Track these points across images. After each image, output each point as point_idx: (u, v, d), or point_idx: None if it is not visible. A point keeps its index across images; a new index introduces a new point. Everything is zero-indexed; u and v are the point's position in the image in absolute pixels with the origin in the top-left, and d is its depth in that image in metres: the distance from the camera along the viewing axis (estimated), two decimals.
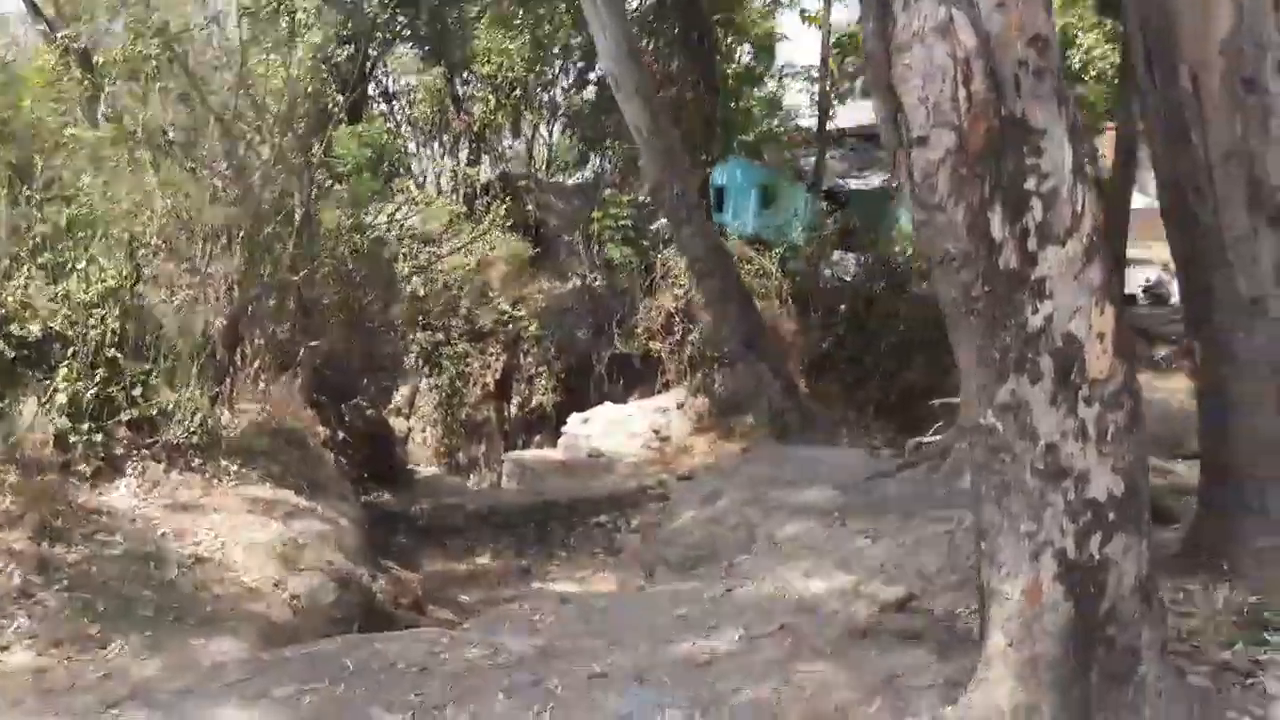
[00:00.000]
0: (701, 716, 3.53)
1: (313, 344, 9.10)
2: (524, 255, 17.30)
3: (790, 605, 4.75)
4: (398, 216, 12.95)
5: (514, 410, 18.11)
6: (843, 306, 14.39)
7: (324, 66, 10.98)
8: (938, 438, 11.18)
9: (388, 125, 19.44)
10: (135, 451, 6.27)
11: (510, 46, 17.37)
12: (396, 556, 10.38)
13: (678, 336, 15.44)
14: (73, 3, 10.42)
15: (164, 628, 4.60)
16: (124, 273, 6.68)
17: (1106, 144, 15.90)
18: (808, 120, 19.36)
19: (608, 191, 17.26)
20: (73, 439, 5.94)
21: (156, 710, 3.62)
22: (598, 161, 18.62)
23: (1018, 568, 3.20)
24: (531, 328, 16.83)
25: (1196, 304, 4.57)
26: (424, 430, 18.03)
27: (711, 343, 14.42)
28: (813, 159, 18.81)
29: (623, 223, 15.47)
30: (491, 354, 18.32)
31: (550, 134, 20.78)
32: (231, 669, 4.04)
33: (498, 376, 18.22)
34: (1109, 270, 3.13)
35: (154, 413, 6.54)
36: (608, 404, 15.88)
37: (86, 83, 9.11)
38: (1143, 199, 15.34)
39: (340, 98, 11.18)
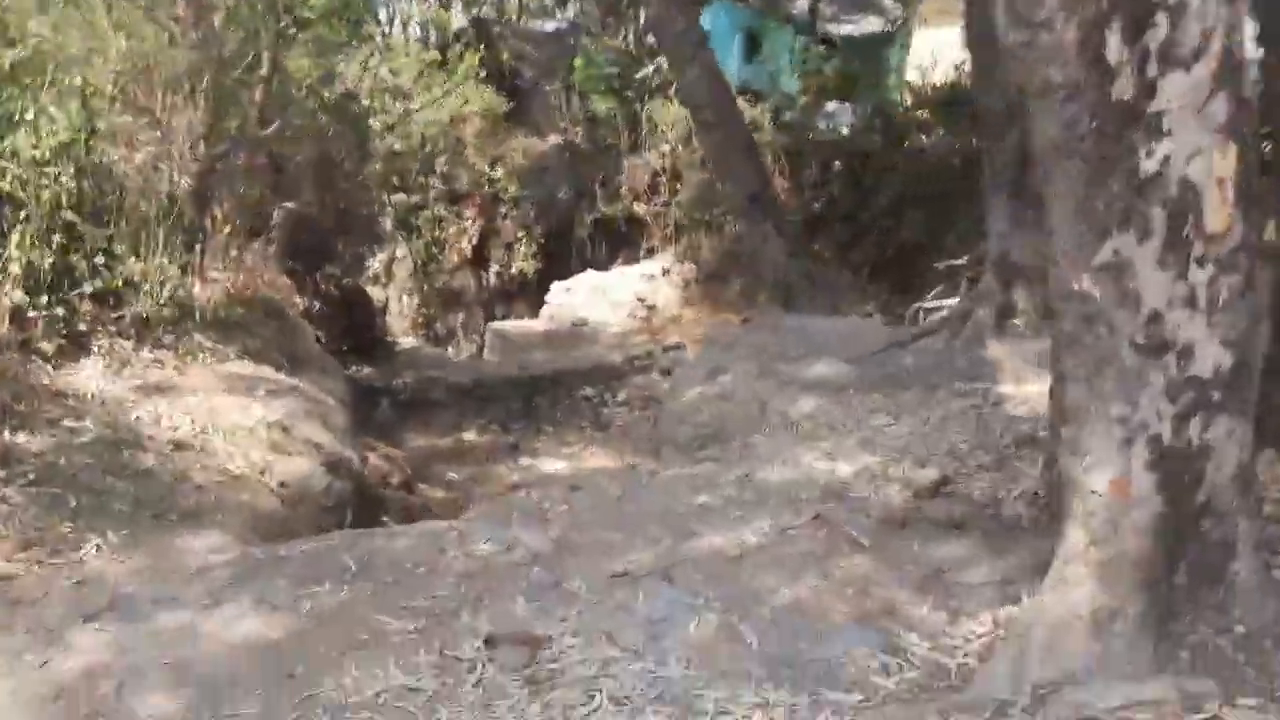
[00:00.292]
0: (741, 620, 3.24)
1: (287, 205, 8.51)
2: (499, 110, 16.43)
3: (816, 490, 4.45)
4: (370, 65, 12.08)
5: (493, 278, 17.64)
6: (837, 163, 13.78)
7: None
8: (942, 303, 10.89)
9: None
10: (101, 327, 5.80)
11: None
12: (380, 433, 10.08)
13: (664, 198, 14.86)
14: None
15: (143, 523, 4.23)
16: (78, 125, 6.05)
17: None
18: None
19: (587, 39, 16.29)
20: (31, 314, 5.44)
21: (140, 622, 3.28)
22: (578, 3, 17.50)
23: (1106, 456, 2.83)
24: (510, 189, 16.13)
25: None
26: (400, 299, 17.57)
27: (703, 203, 13.87)
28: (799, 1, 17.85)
29: (608, 71, 14.57)
30: (468, 218, 17.70)
31: None
32: (220, 571, 3.70)
33: (474, 242, 17.64)
34: (1238, 101, 2.66)
35: (119, 284, 6.04)
36: (591, 271, 15.41)
37: None
38: None
39: None
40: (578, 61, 15.04)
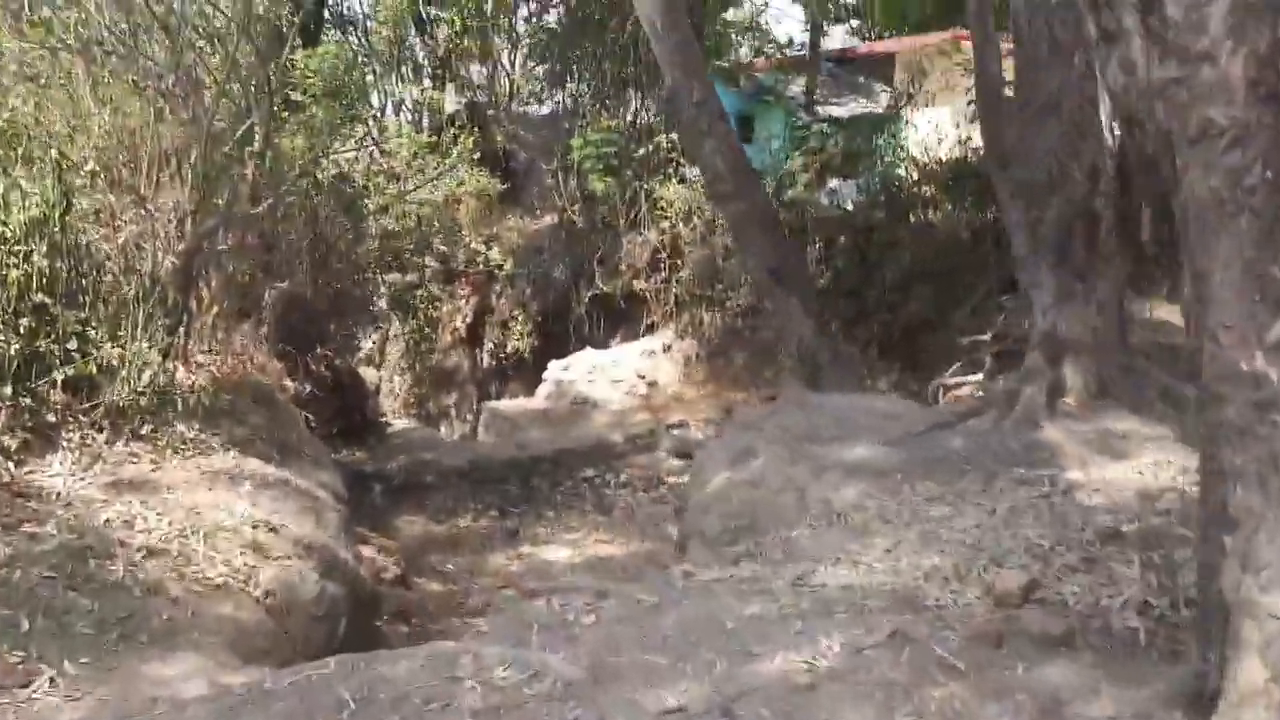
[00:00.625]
0: None
1: (279, 285, 8.02)
2: (494, 191, 16.15)
3: (885, 597, 3.89)
4: (366, 144, 11.77)
5: (486, 357, 17.24)
6: (842, 238, 13.46)
7: None
8: (964, 379, 10.43)
9: (348, 52, 18.05)
10: (72, 418, 5.23)
11: None
12: (373, 520, 9.51)
13: (664, 274, 14.50)
14: None
15: (107, 649, 3.63)
16: (51, 201, 5.58)
17: None
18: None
19: (582, 122, 16.10)
20: None
21: None
22: (573, 87, 17.36)
23: None
24: (506, 266, 15.76)
25: None
26: (392, 379, 17.12)
27: (706, 279, 13.51)
28: (790, 84, 17.79)
29: (605, 150, 14.34)
30: (461, 297, 17.35)
31: (513, 64, 19.48)
32: (194, 710, 3.10)
33: (468, 321, 17.28)
34: None
35: (93, 370, 5.49)
36: (589, 349, 14.99)
37: None
38: None
39: (293, 17, 9.96)
40: (575, 141, 14.81)
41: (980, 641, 3.40)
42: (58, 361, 5.32)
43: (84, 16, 7.26)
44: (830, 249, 13.59)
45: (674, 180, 14.13)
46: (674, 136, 14.90)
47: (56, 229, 5.62)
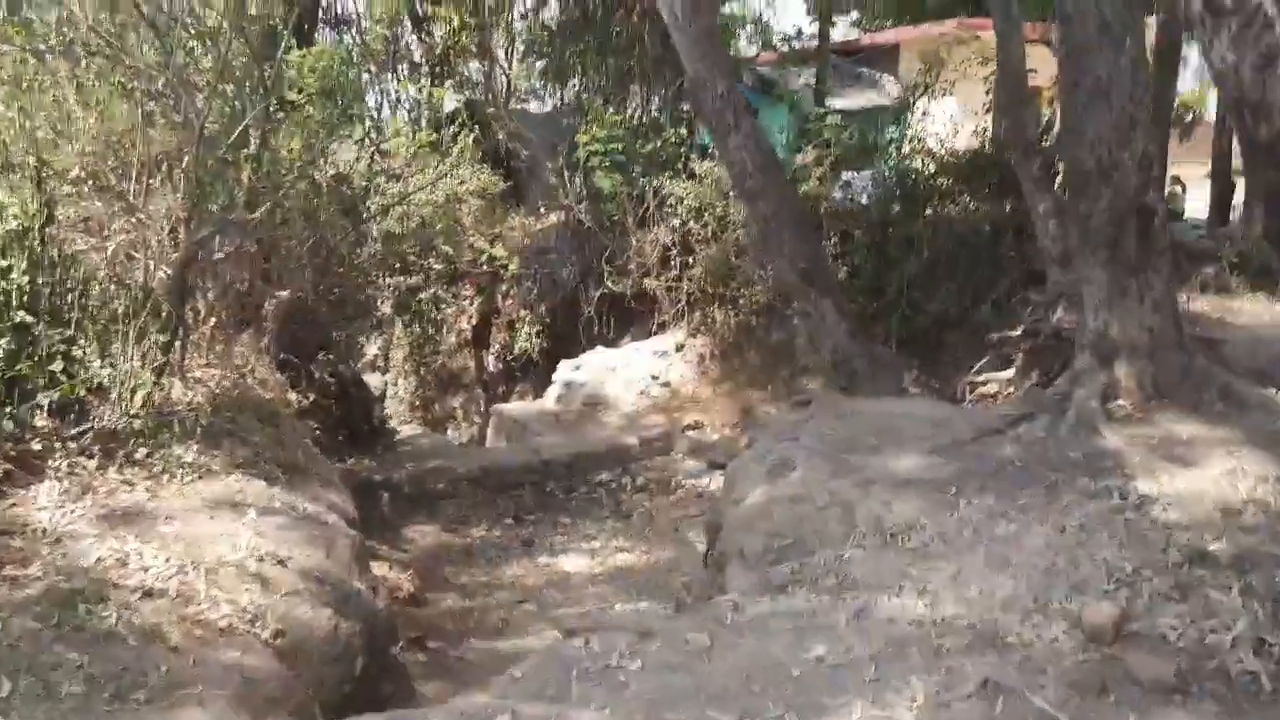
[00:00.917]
0: None
1: (280, 294, 7.62)
2: (496, 189, 15.76)
3: (960, 634, 3.51)
4: (367, 143, 11.37)
5: (493, 359, 16.88)
6: (858, 233, 13.04)
7: None
8: (993, 376, 10.05)
9: (344, 51, 17.65)
10: (59, 445, 4.85)
11: None
12: (382, 532, 9.15)
13: (675, 272, 14.09)
14: None
15: (98, 711, 3.25)
16: (31, 211, 5.19)
17: None
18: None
19: (586, 118, 15.70)
20: None
21: None
22: (576, 82, 16.96)
23: None
24: (511, 266, 15.36)
25: None
26: (396, 383, 16.76)
27: (719, 275, 13.10)
28: (793, 76, 17.40)
29: (611, 147, 13.93)
30: (466, 298, 16.98)
31: (509, 62, 19.08)
32: None
33: (474, 322, 16.93)
34: None
35: (82, 392, 5.11)
36: (600, 348, 14.60)
37: None
38: None
39: (288, 16, 9.55)
40: (581, 138, 14.40)
41: (1081, 689, 3.03)
42: (42, 383, 4.95)
43: (67, 15, 6.86)
44: (846, 244, 13.18)
45: (683, 176, 13.70)
46: (683, 131, 14.51)
47: (37, 241, 5.24)
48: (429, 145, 14.89)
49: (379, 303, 12.82)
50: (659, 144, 14.13)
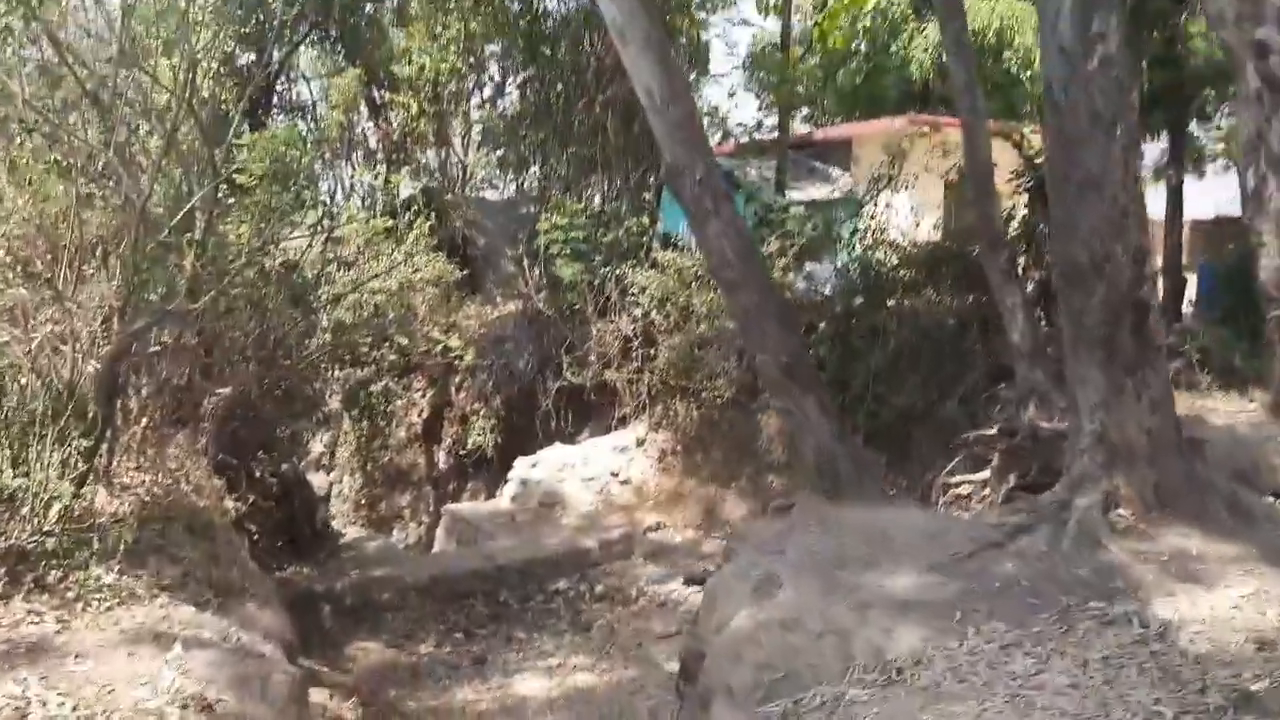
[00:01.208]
0: None
1: (221, 390, 7.08)
2: (451, 276, 15.38)
3: None
4: (319, 230, 10.96)
5: (444, 454, 16.27)
6: (823, 324, 12.82)
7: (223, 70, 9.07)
8: (969, 478, 9.72)
9: (298, 136, 17.34)
10: None
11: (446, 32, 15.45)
12: (323, 649, 8.49)
13: (636, 364, 13.72)
14: None
15: None
16: None
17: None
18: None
19: (546, 207, 15.49)
20: None
21: None
22: (535, 170, 16.80)
23: None
24: (467, 356, 14.88)
25: None
26: (342, 480, 16.08)
27: (682, 368, 12.75)
28: (749, 168, 17.48)
29: (573, 235, 13.67)
30: (418, 390, 16.45)
31: (465, 151, 18.93)
32: None
33: (424, 416, 16.36)
34: None
35: None
36: (558, 444, 14.10)
37: None
38: None
39: (239, 101, 9.20)
40: (541, 225, 14.14)
41: None
42: None
43: (2, 89, 6.42)
44: (809, 335, 12.96)
45: (646, 265, 13.44)
46: (644, 220, 14.30)
47: None
48: (384, 232, 14.51)
49: (327, 396, 12.26)
50: (621, 232, 13.89)
